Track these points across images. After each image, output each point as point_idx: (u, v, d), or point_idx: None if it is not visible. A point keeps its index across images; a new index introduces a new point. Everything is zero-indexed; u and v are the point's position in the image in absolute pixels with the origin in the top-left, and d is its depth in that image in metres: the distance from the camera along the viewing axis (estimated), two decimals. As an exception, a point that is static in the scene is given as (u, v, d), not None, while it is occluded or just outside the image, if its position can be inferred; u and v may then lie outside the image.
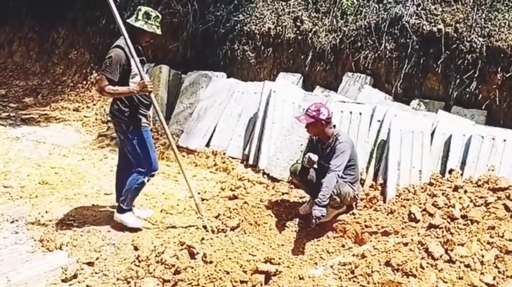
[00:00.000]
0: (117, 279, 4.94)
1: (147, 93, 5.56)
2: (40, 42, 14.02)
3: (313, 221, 5.47)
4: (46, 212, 6.23)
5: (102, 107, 11.10)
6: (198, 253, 5.02)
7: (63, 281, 4.98)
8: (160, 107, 9.56)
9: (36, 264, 5.18)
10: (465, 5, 7.89)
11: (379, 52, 8.36)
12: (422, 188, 6.42)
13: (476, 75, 7.54)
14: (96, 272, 5.10)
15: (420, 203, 6.10)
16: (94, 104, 11.39)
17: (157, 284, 4.77)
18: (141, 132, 5.73)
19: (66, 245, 5.49)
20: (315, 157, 5.90)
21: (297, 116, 6.11)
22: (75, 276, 5.00)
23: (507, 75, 7.34)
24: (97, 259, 5.28)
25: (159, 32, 5.68)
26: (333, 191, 5.62)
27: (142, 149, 5.75)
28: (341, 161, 5.72)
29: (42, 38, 14.00)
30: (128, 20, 5.64)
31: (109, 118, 10.15)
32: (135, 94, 5.55)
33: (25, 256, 5.34)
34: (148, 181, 5.88)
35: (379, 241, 5.51)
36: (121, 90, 5.48)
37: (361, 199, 6.53)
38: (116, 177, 6.26)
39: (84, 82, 12.36)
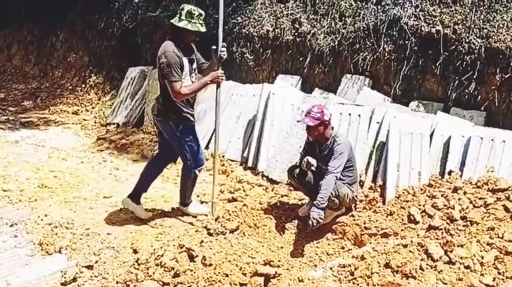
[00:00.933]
0: (117, 282, 4.93)
1: (218, 83, 5.88)
2: (39, 46, 14.04)
3: (311, 223, 5.45)
4: (45, 215, 6.23)
5: (101, 110, 11.11)
6: (197, 256, 5.01)
7: (62, 284, 4.99)
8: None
9: (36, 267, 5.18)
10: (463, 6, 7.89)
11: (377, 54, 8.36)
12: (421, 189, 6.42)
13: (475, 76, 7.54)
14: (95, 276, 5.10)
15: (419, 205, 6.09)
16: (93, 107, 11.40)
17: (157, 287, 4.77)
18: (189, 130, 5.97)
19: (66, 249, 5.49)
20: (313, 161, 5.89)
21: (300, 119, 6.04)
22: (74, 279, 5.00)
23: (506, 76, 7.34)
24: (96, 262, 5.27)
25: (203, 29, 5.77)
26: (332, 193, 5.61)
27: (189, 146, 5.99)
28: (339, 162, 5.71)
29: (41, 42, 14.02)
30: (171, 21, 5.76)
31: (116, 121, 10.19)
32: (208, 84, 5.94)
33: (24, 259, 5.34)
34: (200, 171, 6.24)
35: (378, 243, 5.50)
36: (197, 86, 5.82)
37: (361, 201, 6.52)
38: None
39: (83, 85, 12.37)
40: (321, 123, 5.83)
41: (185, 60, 5.72)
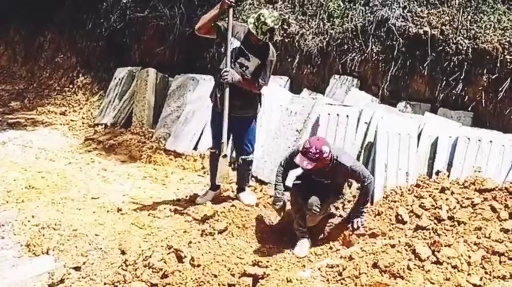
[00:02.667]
0: (104, 284, 4.92)
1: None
2: (26, 46, 13.96)
3: (357, 227, 5.76)
4: (32, 216, 6.17)
5: (89, 111, 11.07)
6: (185, 257, 5.00)
7: (50, 286, 4.98)
8: (147, 110, 9.58)
9: (23, 269, 5.15)
10: (451, 8, 7.94)
11: (365, 55, 8.39)
12: (409, 190, 6.44)
13: (462, 77, 7.59)
14: (83, 277, 5.08)
15: (407, 205, 6.12)
16: (81, 108, 11.34)
17: (145, 288, 4.76)
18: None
19: (53, 250, 5.45)
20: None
21: (297, 161, 5.47)
22: (62, 281, 4.99)
23: (493, 77, 7.40)
24: (84, 263, 5.25)
25: (259, 37, 5.88)
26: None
27: (254, 134, 6.53)
28: (363, 169, 5.73)
29: (29, 42, 13.94)
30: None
31: (104, 121, 10.16)
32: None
33: (11, 261, 5.31)
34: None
35: (366, 243, 5.51)
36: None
37: (349, 201, 6.54)
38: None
39: (71, 86, 12.30)
40: (321, 161, 5.37)
41: (236, 44, 6.04)
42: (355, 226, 5.71)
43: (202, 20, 6.12)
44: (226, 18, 6.09)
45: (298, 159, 5.38)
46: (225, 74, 5.95)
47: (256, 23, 5.80)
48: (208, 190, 6.85)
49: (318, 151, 5.29)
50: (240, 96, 6.13)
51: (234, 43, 6.08)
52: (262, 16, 5.76)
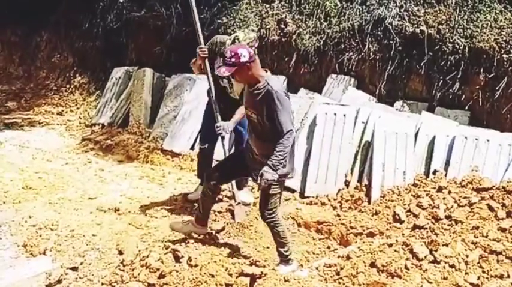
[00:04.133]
0: (102, 284, 4.92)
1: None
2: (23, 47, 13.92)
3: (263, 183, 4.77)
4: (30, 217, 6.17)
5: (86, 111, 11.04)
6: (183, 257, 4.99)
7: (47, 286, 4.95)
8: (144, 110, 9.56)
9: (20, 270, 5.15)
10: (447, 7, 7.93)
11: (362, 54, 8.38)
12: (406, 189, 6.45)
13: (459, 76, 7.59)
14: (80, 277, 5.08)
15: (405, 204, 6.13)
16: (78, 108, 11.32)
17: (142, 289, 4.76)
18: None
19: (50, 250, 5.45)
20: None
21: (216, 71, 5.01)
22: (59, 281, 4.98)
23: (490, 76, 7.40)
24: (81, 263, 5.25)
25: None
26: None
27: None
28: (288, 116, 4.86)
29: (25, 42, 13.90)
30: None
31: (101, 121, 10.16)
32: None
33: (8, 261, 5.31)
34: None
35: (364, 242, 5.52)
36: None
37: (346, 201, 6.55)
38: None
39: (68, 86, 12.27)
40: (239, 67, 4.73)
41: (219, 59, 5.92)
42: (261, 183, 4.77)
43: (193, 69, 6.44)
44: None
45: (216, 69, 4.93)
46: (218, 130, 5.95)
47: None
48: (198, 185, 6.84)
49: (233, 53, 4.71)
50: (227, 100, 6.23)
51: (220, 61, 5.87)
52: (237, 39, 5.75)
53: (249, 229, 6.00)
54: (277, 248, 5.19)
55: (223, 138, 6.12)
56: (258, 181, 4.80)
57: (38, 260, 5.34)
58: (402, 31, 8.06)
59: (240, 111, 5.86)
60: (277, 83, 4.96)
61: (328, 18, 8.82)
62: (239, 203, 6.17)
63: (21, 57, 14.01)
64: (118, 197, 7.00)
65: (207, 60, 6.13)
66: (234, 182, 6.28)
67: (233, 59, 4.65)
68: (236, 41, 5.71)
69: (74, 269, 5.16)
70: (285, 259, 5.11)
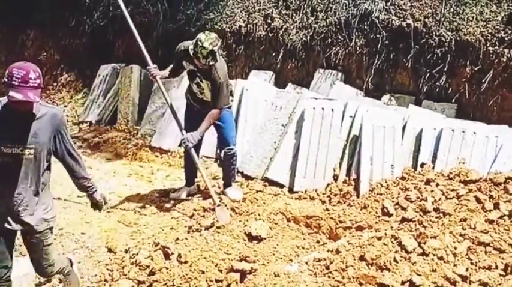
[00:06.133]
0: (91, 282, 4.91)
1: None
2: (9, 44, 13.83)
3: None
4: (18, 216, 6.14)
5: (73, 108, 10.99)
6: (172, 254, 5.01)
7: (37, 285, 4.96)
8: (132, 107, 9.53)
9: (9, 269, 5.11)
10: (433, 0, 7.96)
11: (349, 48, 8.40)
12: (394, 182, 6.48)
13: (445, 69, 7.63)
14: (70, 276, 5.05)
15: (393, 197, 6.16)
16: (65, 106, 11.26)
17: (133, 286, 4.75)
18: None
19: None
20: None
21: (14, 97, 3.70)
22: (48, 280, 4.95)
23: (476, 69, 7.45)
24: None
25: (195, 59, 6.07)
26: None
27: (232, 125, 6.69)
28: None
29: (11, 40, 13.81)
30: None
31: (89, 119, 10.15)
32: None
33: (-3, 261, 5.27)
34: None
35: (353, 236, 5.54)
36: None
37: (335, 195, 6.57)
38: None
39: (55, 84, 12.21)
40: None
41: (186, 64, 6.35)
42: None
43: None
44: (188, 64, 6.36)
45: (14, 94, 3.69)
46: (184, 142, 6.23)
47: (196, 49, 5.89)
48: (184, 185, 6.95)
49: (37, 73, 3.81)
50: (202, 103, 6.41)
51: (187, 65, 6.32)
52: (200, 41, 5.82)
53: (238, 224, 5.99)
54: None
55: (189, 149, 6.21)
56: None
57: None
58: (388, 25, 8.09)
59: (207, 120, 6.18)
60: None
61: (315, 13, 8.84)
62: (219, 205, 6.17)
63: (7, 56, 13.91)
64: (107, 195, 6.97)
65: (158, 78, 6.42)
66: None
67: (38, 81, 3.78)
68: (199, 42, 5.82)
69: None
70: None
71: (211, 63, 5.97)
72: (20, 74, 3.74)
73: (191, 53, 5.96)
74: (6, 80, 3.74)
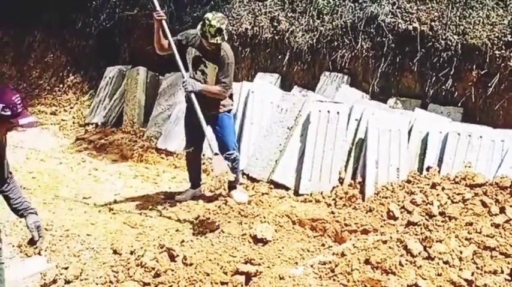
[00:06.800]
0: (97, 284, 4.91)
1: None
2: (15, 46, 13.87)
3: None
4: (24, 217, 6.16)
5: (80, 110, 11.02)
6: (178, 256, 5.00)
7: (42, 286, 4.94)
8: (138, 109, 9.55)
9: (15, 270, 5.12)
10: (440, 3, 7.96)
11: (355, 51, 8.40)
12: (400, 185, 6.47)
13: (452, 72, 7.62)
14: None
15: (398, 201, 6.15)
16: (71, 108, 11.30)
17: (138, 288, 4.76)
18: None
19: (45, 250, 5.44)
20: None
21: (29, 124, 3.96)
22: (54, 281, 4.96)
23: (482, 72, 7.43)
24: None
25: (203, 38, 6.11)
26: None
27: (231, 130, 6.76)
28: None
29: (18, 42, 13.86)
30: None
31: (95, 121, 10.18)
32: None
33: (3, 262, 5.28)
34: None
35: (358, 239, 5.52)
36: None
37: (340, 198, 6.57)
38: None
39: (61, 85, 12.25)
40: None
41: (195, 53, 6.29)
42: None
43: (156, 47, 6.38)
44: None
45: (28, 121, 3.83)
46: (184, 84, 6.15)
47: (203, 28, 5.95)
48: (189, 188, 6.95)
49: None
50: (204, 98, 6.28)
51: (192, 52, 6.30)
52: (207, 20, 5.90)
53: (243, 227, 5.99)
54: None
55: (190, 92, 6.17)
56: None
57: (33, 261, 5.33)
58: (395, 28, 8.08)
59: (211, 88, 6.29)
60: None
61: (321, 16, 8.84)
62: (217, 154, 6.27)
63: (13, 57, 13.96)
64: (112, 197, 7.00)
65: (164, 22, 6.21)
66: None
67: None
68: (206, 21, 5.90)
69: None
70: None
71: (219, 41, 6.02)
72: (18, 98, 3.70)
73: (199, 33, 6.01)
74: (10, 112, 3.67)
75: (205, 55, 6.23)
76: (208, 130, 6.32)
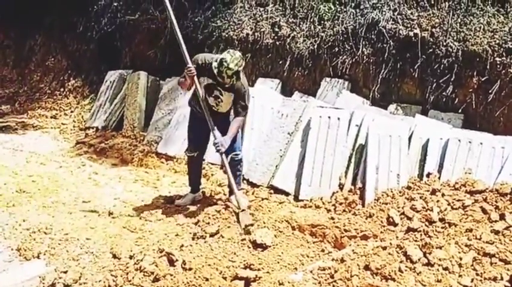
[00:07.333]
0: (96, 288, 4.91)
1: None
2: (16, 50, 13.93)
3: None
4: (23, 220, 6.16)
5: (80, 114, 11.04)
6: (177, 260, 4.99)
7: (40, 290, 4.94)
8: (138, 113, 9.56)
9: (14, 273, 5.13)
10: (441, 10, 7.96)
11: (356, 57, 8.41)
12: (400, 192, 6.46)
13: (452, 79, 7.61)
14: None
15: (398, 207, 6.14)
16: (72, 111, 11.32)
17: (137, 292, 4.75)
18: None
19: (44, 254, 5.44)
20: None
21: None
22: (53, 285, 4.95)
23: (483, 79, 7.42)
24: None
25: (219, 78, 6.00)
26: None
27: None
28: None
29: (19, 45, 13.90)
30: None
31: (95, 125, 10.18)
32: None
33: (2, 265, 5.28)
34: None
35: (358, 245, 5.52)
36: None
37: (340, 203, 6.56)
38: None
39: (62, 89, 12.28)
40: None
41: (203, 78, 6.20)
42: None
43: (181, 86, 6.49)
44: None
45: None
46: (217, 146, 6.11)
47: (220, 68, 5.86)
48: (188, 192, 6.94)
49: None
50: (214, 115, 6.31)
51: (205, 80, 6.21)
52: (225, 61, 5.80)
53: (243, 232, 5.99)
54: None
55: (222, 153, 6.15)
56: None
57: (32, 264, 5.32)
58: (396, 34, 8.09)
59: (235, 125, 6.20)
60: None
61: (322, 22, 8.86)
62: (244, 210, 6.15)
63: (15, 61, 14.01)
64: (112, 201, 7.00)
65: (196, 78, 6.15)
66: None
67: None
68: (224, 63, 5.80)
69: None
70: None
71: (235, 82, 6.01)
72: None
73: (215, 71, 5.92)
74: None
75: (219, 84, 6.14)
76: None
